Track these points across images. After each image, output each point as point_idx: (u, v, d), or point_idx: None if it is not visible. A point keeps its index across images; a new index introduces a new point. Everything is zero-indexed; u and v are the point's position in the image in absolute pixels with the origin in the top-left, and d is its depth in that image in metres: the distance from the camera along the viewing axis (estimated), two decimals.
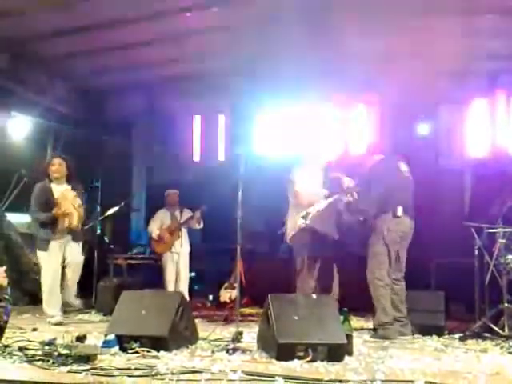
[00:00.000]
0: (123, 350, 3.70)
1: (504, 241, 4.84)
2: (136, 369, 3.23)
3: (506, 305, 4.81)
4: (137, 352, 3.66)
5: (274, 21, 6.10)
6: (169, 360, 3.50)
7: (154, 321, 3.89)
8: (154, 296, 4.39)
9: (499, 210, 5.12)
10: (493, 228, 4.95)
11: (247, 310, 6.92)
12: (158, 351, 3.66)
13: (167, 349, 3.72)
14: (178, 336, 3.94)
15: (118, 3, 5.79)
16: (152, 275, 7.31)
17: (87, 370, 3.17)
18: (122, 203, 6.93)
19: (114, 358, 3.52)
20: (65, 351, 3.40)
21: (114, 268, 7.29)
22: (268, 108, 8.04)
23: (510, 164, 6.12)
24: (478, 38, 6.06)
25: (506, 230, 4.86)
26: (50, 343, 3.64)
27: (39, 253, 5.74)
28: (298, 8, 5.81)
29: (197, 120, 8.69)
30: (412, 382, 3.10)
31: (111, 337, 3.73)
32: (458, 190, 7.66)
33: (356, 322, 5.90)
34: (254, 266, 8.06)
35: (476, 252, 5.15)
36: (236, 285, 5.15)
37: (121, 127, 8.92)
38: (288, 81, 7.32)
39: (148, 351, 3.66)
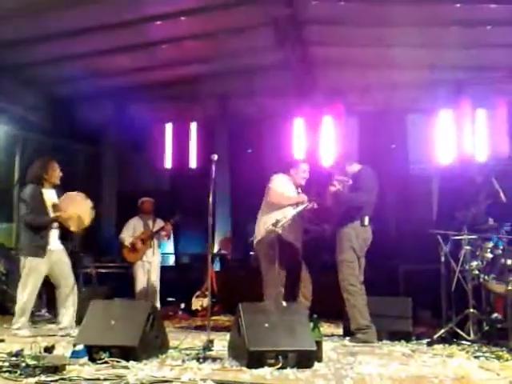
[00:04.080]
0: (92, 360, 3.66)
1: (469, 247, 4.94)
2: (105, 379, 3.21)
3: (472, 310, 4.91)
4: (106, 362, 3.62)
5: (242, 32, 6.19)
6: (138, 370, 3.47)
7: (124, 330, 3.85)
8: (123, 305, 4.35)
9: (464, 217, 5.25)
10: (458, 235, 5.07)
11: (219, 318, 6.91)
12: (128, 361, 3.63)
13: (137, 359, 3.69)
14: (148, 345, 3.92)
15: (88, 12, 5.77)
16: (122, 284, 7.24)
17: (55, 380, 3.13)
18: (93, 211, 6.84)
19: (83, 369, 3.48)
20: (32, 362, 3.35)
21: (84, 277, 7.20)
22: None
23: (475, 172, 6.28)
24: (444, 50, 6.22)
25: (471, 237, 4.97)
26: (18, 354, 3.58)
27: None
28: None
29: (168, 127, 8.68)
30: None
31: (80, 347, 3.69)
32: (426, 196, 7.82)
33: (326, 328, 5.96)
34: (225, 273, 8.07)
35: (442, 259, 5.26)
36: (208, 293, 5.16)
37: (91, 135, 8.85)
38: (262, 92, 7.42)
39: (117, 361, 3.62)
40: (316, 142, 7.57)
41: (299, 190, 5.68)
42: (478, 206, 5.42)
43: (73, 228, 5.64)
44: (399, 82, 6.99)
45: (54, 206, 5.58)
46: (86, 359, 3.65)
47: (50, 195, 5.65)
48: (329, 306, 5.64)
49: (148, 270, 7.02)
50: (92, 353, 3.69)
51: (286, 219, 5.41)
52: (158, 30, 6.30)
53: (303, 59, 6.76)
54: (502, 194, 4.97)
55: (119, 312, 4.06)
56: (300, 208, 5.52)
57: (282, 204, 5.51)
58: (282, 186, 5.61)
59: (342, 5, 5.57)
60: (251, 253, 6.27)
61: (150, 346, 3.95)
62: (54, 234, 5.64)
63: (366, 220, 5.21)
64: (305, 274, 5.68)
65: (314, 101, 7.45)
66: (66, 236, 6.68)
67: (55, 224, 5.60)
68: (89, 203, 5.70)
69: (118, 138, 9.32)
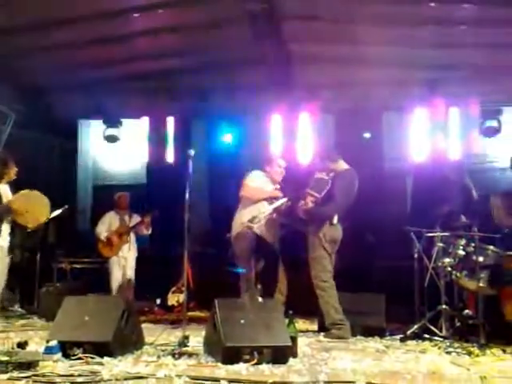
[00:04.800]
0: (66, 356, 3.65)
1: (442, 245, 5.01)
2: (79, 375, 3.20)
3: (444, 307, 4.99)
4: (80, 358, 3.61)
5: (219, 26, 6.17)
6: (113, 366, 3.47)
7: (98, 326, 3.84)
8: (97, 301, 4.33)
9: (438, 214, 5.33)
10: (431, 232, 5.15)
11: (195, 314, 6.90)
12: (102, 357, 3.62)
13: (111, 355, 3.69)
14: (123, 341, 3.91)
15: (64, 2, 5.69)
16: (98, 279, 7.18)
17: (28, 377, 3.11)
18: (66, 205, 6.78)
19: (57, 365, 3.46)
20: (5, 358, 3.33)
21: (58, 272, 7.13)
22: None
23: (448, 169, 6.37)
24: (419, 49, 6.28)
25: (444, 234, 5.04)
26: None
27: None
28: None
29: (145, 121, 8.62)
30: (353, 382, 3.19)
31: (53, 343, 3.67)
32: (400, 193, 7.90)
33: (302, 324, 6.00)
34: (202, 269, 8.05)
35: (416, 255, 5.34)
36: (184, 288, 5.16)
37: (66, 127, 8.74)
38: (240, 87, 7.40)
39: (92, 357, 3.61)
40: (293, 139, 7.59)
41: (276, 186, 5.71)
42: (451, 203, 5.49)
43: (29, 225, 5.59)
44: (375, 79, 7.03)
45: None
46: (59, 355, 3.63)
47: (4, 191, 5.58)
48: (304, 302, 5.68)
49: (123, 265, 6.99)
50: (66, 349, 3.68)
51: (262, 215, 5.45)
52: (135, 22, 6.24)
53: (280, 55, 6.77)
54: (474, 192, 5.05)
55: (93, 308, 4.05)
56: (276, 204, 5.56)
57: (256, 198, 5.54)
58: (256, 181, 5.64)
59: (319, 1, 5.59)
60: (229, 248, 6.26)
61: (125, 341, 3.95)
62: (5, 229, 5.55)
63: (335, 219, 5.26)
64: (281, 270, 5.72)
65: (292, 97, 7.46)
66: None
67: (8, 218, 5.46)
68: (44, 200, 5.64)
69: (93, 131, 9.23)
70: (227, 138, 8.38)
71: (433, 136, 7.05)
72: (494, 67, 6.52)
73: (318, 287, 5.21)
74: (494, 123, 7.03)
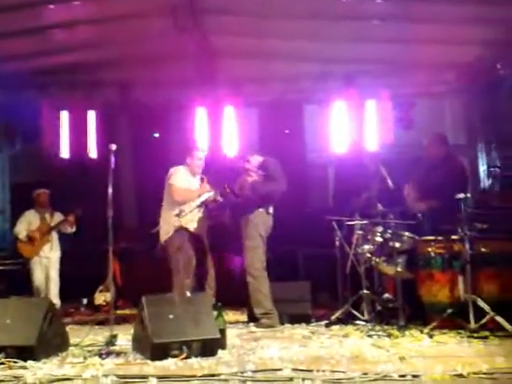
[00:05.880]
0: None
1: (361, 232, 5.21)
2: (1, 381, 3.12)
3: (365, 292, 5.21)
4: (2, 363, 3.51)
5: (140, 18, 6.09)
6: (37, 369, 3.40)
7: (20, 329, 3.75)
8: (19, 303, 4.22)
9: (357, 203, 5.56)
10: (350, 221, 5.34)
11: (124, 312, 6.81)
12: (26, 361, 3.54)
13: (35, 358, 3.61)
14: (47, 344, 3.83)
15: None
16: (19, 281, 6.93)
17: None
18: None
19: None
20: None
21: None
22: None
23: (367, 160, 6.59)
24: (334, 43, 6.45)
25: (362, 222, 5.24)
26: None
27: None
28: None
29: (64, 115, 8.34)
30: (280, 370, 3.29)
31: None
32: (322, 183, 8.15)
33: (232, 315, 6.08)
34: (130, 265, 7.95)
35: (337, 243, 5.54)
36: (111, 286, 5.10)
37: None
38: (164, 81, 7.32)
39: (14, 361, 3.52)
40: (218, 132, 7.61)
41: (198, 179, 5.69)
42: (369, 192, 5.71)
43: None
44: (295, 73, 7.17)
45: None
46: None
47: None
48: (234, 294, 5.76)
49: (46, 265, 6.78)
50: None
51: (189, 209, 5.44)
52: (51, 13, 6.03)
53: (203, 48, 6.74)
54: (389, 181, 5.29)
55: (15, 310, 3.95)
56: (204, 197, 5.56)
57: (188, 200, 5.49)
58: (183, 182, 5.57)
59: None
60: (156, 243, 6.22)
61: (49, 344, 3.87)
62: None
63: (271, 209, 5.46)
64: (208, 263, 5.75)
65: (215, 91, 7.47)
66: None
67: None
68: None
69: (9, 126, 8.85)
70: (153, 131, 8.29)
71: (351, 128, 7.26)
72: (407, 61, 6.81)
73: (250, 275, 5.33)
74: (408, 115, 7.37)
